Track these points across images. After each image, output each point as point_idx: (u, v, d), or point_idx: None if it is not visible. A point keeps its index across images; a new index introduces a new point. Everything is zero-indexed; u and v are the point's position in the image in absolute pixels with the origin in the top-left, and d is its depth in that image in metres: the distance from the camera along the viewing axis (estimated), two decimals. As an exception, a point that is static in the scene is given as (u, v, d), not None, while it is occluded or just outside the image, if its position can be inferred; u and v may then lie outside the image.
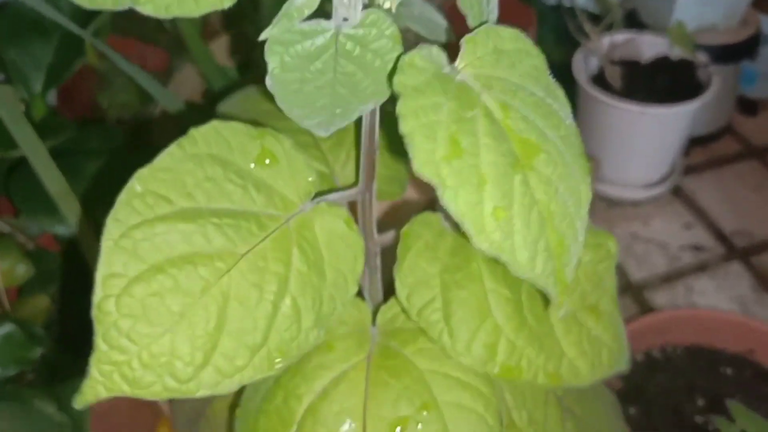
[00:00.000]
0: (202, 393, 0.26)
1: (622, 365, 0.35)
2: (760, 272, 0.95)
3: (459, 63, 0.27)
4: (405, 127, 0.23)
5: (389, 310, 0.33)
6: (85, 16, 0.56)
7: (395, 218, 0.39)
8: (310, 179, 0.29)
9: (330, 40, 0.21)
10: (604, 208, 1.04)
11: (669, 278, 0.95)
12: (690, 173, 1.11)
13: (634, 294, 0.93)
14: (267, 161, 0.28)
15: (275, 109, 0.38)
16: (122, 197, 0.26)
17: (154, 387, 0.26)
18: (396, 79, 0.23)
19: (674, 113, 0.93)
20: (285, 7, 0.20)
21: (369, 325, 0.33)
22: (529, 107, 0.27)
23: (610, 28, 1.03)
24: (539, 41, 1.09)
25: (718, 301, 0.91)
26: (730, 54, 1.05)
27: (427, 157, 0.23)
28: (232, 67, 0.76)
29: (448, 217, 0.33)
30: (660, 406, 0.65)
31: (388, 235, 0.34)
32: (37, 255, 0.61)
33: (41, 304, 0.65)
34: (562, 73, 1.02)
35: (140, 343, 0.26)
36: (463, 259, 0.31)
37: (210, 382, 0.26)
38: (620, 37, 1.03)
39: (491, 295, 0.31)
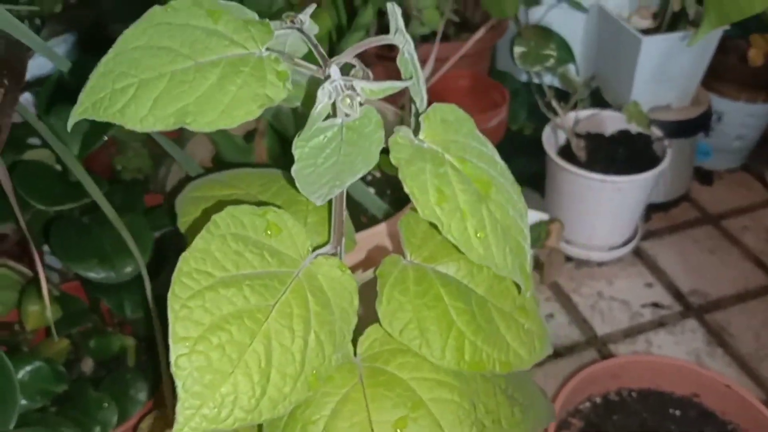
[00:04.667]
0: (264, 418, 0.33)
1: (549, 349, 0.44)
2: (712, 328, 1.04)
3: (422, 134, 0.37)
4: (408, 187, 0.33)
5: (366, 340, 0.42)
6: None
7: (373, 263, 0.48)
8: (306, 240, 0.37)
9: (337, 132, 0.31)
10: (572, 268, 1.14)
11: (631, 333, 1.04)
12: (651, 237, 1.21)
13: (598, 347, 1.01)
14: (271, 232, 0.36)
15: (236, 193, 0.48)
16: (175, 276, 0.33)
17: (227, 420, 0.32)
18: (392, 155, 0.33)
19: (632, 182, 1.03)
20: (311, 114, 0.30)
21: (352, 355, 0.42)
22: (475, 156, 0.38)
23: (575, 105, 1.14)
24: (512, 116, 1.20)
25: (675, 354, 1.00)
26: (684, 129, 1.17)
27: (426, 205, 0.34)
28: (239, 135, 0.86)
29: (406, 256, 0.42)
30: (616, 444, 0.73)
31: (367, 273, 0.43)
32: (63, 299, 0.69)
33: (62, 344, 0.72)
34: (533, 144, 1.14)
35: (211, 387, 0.32)
36: (425, 286, 0.40)
37: (268, 408, 0.33)
38: (585, 113, 1.14)
39: (452, 309, 0.40)
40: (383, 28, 1.17)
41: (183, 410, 0.31)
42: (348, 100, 0.30)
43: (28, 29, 0.48)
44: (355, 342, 0.42)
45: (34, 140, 0.76)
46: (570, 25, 1.18)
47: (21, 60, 0.50)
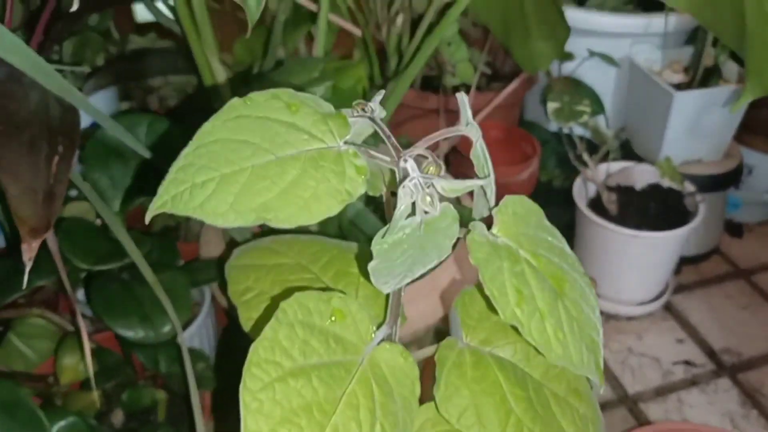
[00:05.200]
0: None
1: None
2: (746, 389, 1.02)
3: (495, 229, 0.36)
4: (487, 288, 0.33)
5: (417, 420, 0.41)
6: (163, 148, 0.66)
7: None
8: (369, 325, 0.37)
9: (416, 229, 0.30)
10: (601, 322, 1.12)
11: (662, 391, 1.02)
12: (682, 291, 1.19)
13: (629, 406, 0.99)
14: (335, 318, 0.36)
15: (286, 263, 0.48)
16: (247, 367, 0.33)
17: None
18: (472, 256, 0.33)
19: (663, 238, 1.02)
20: (395, 214, 0.30)
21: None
22: (546, 250, 0.37)
23: (606, 156, 1.14)
24: (541, 166, 1.19)
25: (708, 415, 0.98)
26: (715, 184, 1.16)
27: (506, 307, 0.33)
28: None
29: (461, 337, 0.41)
30: None
31: (425, 351, 0.42)
32: (98, 352, 0.69)
33: (93, 396, 0.72)
34: (563, 196, 1.13)
35: None
36: (482, 370, 0.40)
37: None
38: (616, 165, 1.14)
39: (509, 395, 0.39)
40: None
41: None
42: (428, 199, 0.30)
43: (85, 98, 0.48)
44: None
45: (72, 192, 0.77)
46: (600, 78, 1.18)
47: (75, 125, 0.50)
